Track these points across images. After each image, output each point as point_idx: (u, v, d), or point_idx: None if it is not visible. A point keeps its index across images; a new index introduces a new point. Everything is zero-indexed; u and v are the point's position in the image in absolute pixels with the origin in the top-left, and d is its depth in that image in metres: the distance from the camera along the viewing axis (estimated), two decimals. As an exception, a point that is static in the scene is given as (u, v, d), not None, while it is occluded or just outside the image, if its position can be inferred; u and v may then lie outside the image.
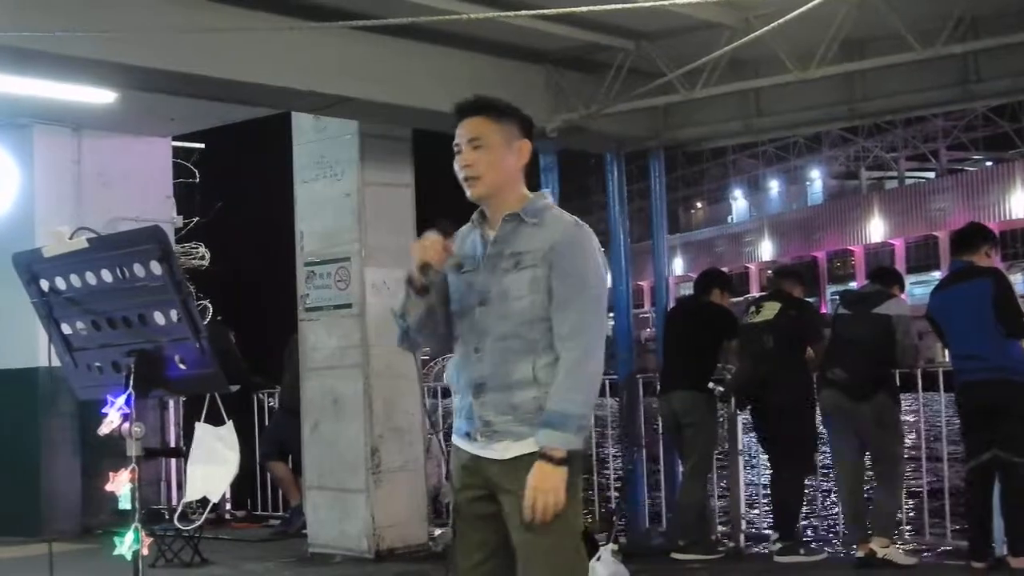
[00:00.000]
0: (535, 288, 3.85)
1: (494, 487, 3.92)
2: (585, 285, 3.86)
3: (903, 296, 8.80)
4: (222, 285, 13.54)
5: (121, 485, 4.22)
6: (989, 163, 61.35)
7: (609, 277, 4.18)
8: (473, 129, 3.98)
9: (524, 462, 3.81)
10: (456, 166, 3.99)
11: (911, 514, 10.11)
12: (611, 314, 9.70)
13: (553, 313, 3.84)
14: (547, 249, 3.85)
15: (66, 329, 4.52)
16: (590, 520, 9.92)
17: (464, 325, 4.00)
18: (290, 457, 10.94)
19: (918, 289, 53.82)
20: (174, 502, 11.66)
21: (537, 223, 3.92)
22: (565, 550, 3.89)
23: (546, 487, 3.75)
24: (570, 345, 3.81)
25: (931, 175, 64.88)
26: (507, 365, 3.88)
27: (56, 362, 4.62)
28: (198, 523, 9.36)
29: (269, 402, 11.82)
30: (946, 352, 8.54)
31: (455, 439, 4.06)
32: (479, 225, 4.03)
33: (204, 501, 9.57)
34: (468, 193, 3.97)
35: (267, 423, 11.68)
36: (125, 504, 4.23)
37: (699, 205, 76.74)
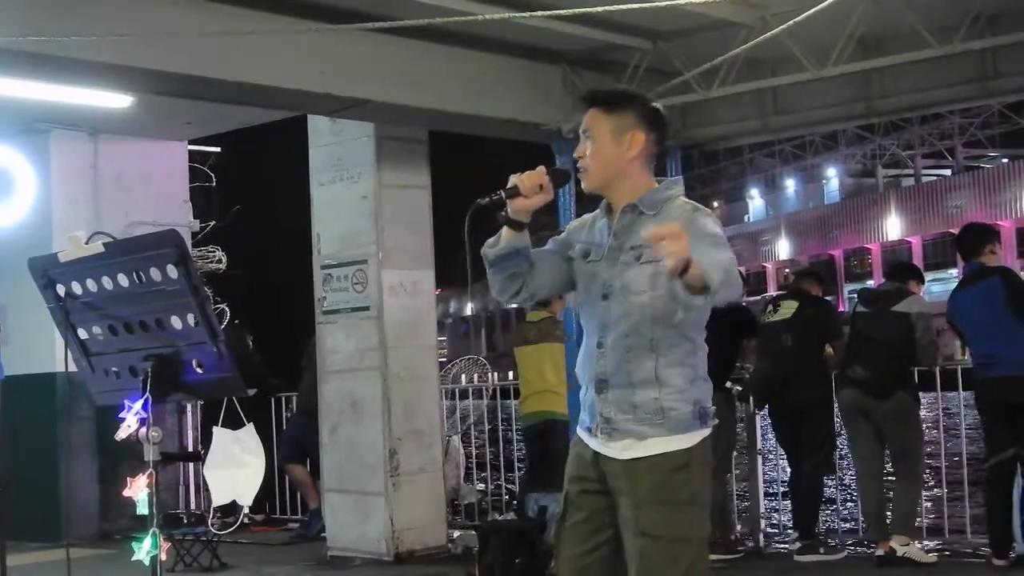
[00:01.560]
0: (655, 283, 3.71)
1: (611, 486, 3.82)
2: (717, 244, 3.63)
3: (922, 290, 8.78)
4: (239, 289, 13.56)
5: (139, 490, 4.22)
6: (1005, 160, 61.15)
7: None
8: (586, 120, 3.95)
9: (644, 465, 3.74)
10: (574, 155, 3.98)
11: (931, 512, 10.05)
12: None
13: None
14: None
15: (83, 334, 4.52)
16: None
17: (590, 317, 3.91)
18: (308, 460, 10.95)
19: (935, 287, 53.72)
20: (193, 506, 11.68)
21: (655, 215, 3.81)
22: (684, 561, 3.75)
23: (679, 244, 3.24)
24: (714, 274, 3.36)
25: (947, 172, 64.71)
26: (629, 363, 3.78)
27: (73, 367, 4.62)
28: (228, 531, 9.36)
29: (287, 406, 11.82)
30: (966, 351, 8.54)
31: (579, 430, 3.98)
32: (606, 214, 3.95)
33: (229, 506, 9.57)
34: (582, 184, 3.94)
35: (285, 426, 11.69)
36: (143, 509, 4.23)
37: (716, 204, 76.53)
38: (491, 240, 3.91)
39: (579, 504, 3.90)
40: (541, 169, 3.82)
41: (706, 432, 3.83)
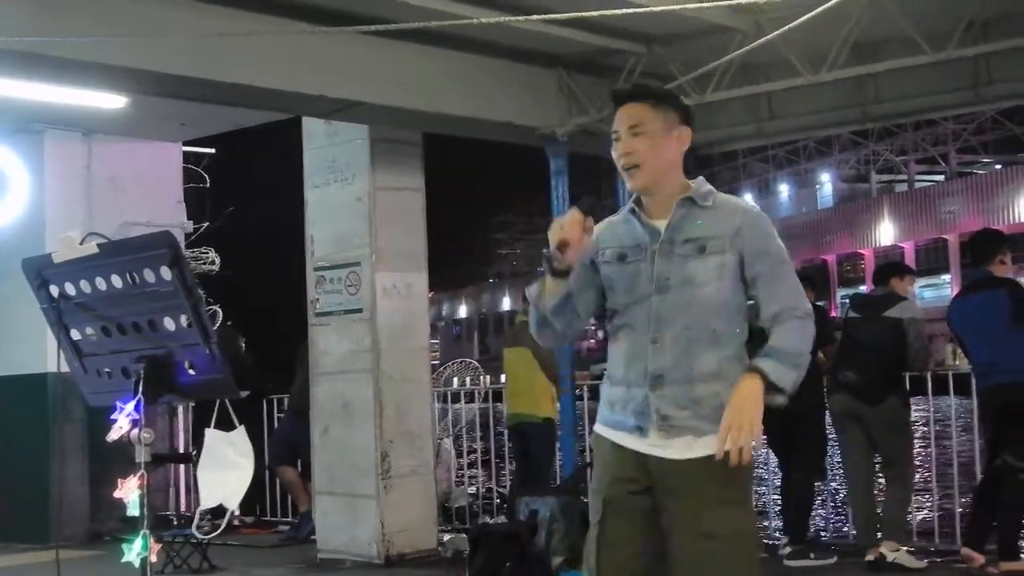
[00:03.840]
0: (722, 274, 3.69)
1: (664, 487, 3.71)
2: (783, 259, 3.78)
3: (911, 287, 8.79)
4: (232, 290, 13.53)
5: (130, 491, 4.21)
6: (999, 166, 61.26)
7: None
8: (633, 116, 3.83)
9: (706, 464, 3.62)
10: (615, 154, 3.85)
11: (921, 517, 10.08)
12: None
13: (760, 293, 3.74)
14: (733, 234, 3.72)
15: (76, 335, 4.51)
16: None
17: (636, 314, 3.78)
18: (299, 462, 10.93)
19: (928, 292, 53.88)
20: (183, 508, 11.66)
21: (711, 206, 3.78)
22: (739, 562, 3.70)
23: (748, 404, 3.54)
24: (789, 311, 3.71)
25: (941, 178, 64.81)
26: (690, 356, 3.70)
27: (65, 368, 4.61)
28: (215, 533, 9.35)
29: (279, 407, 11.81)
30: (957, 355, 8.56)
31: (610, 432, 3.83)
32: (636, 213, 3.86)
33: (218, 508, 9.56)
34: (629, 184, 3.83)
35: (275, 428, 11.67)
36: (134, 510, 4.22)
37: (709, 208, 76.67)
38: (533, 291, 3.83)
39: (624, 507, 3.78)
40: (576, 213, 3.68)
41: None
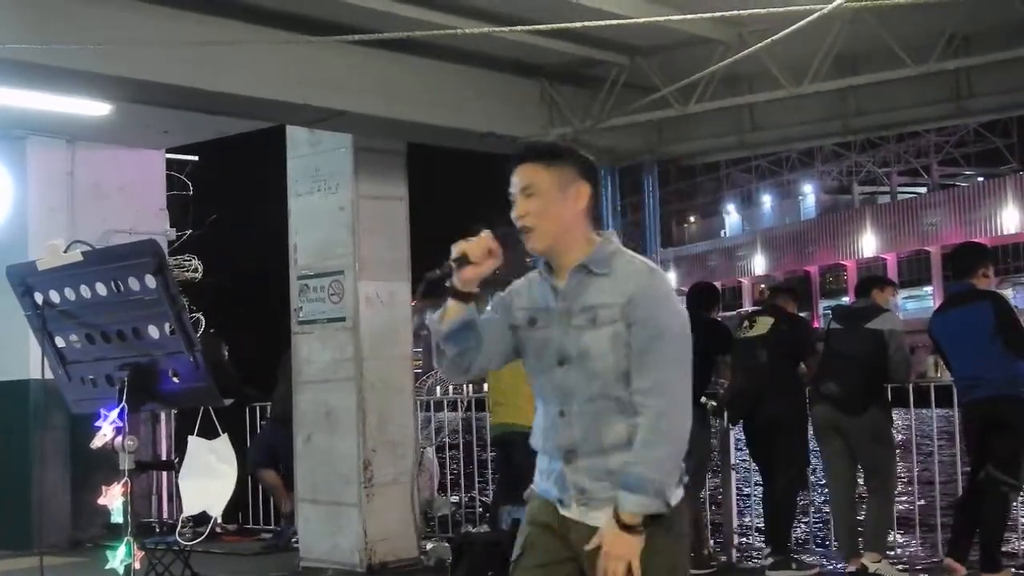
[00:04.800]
0: (617, 344, 3.55)
1: (583, 551, 3.59)
2: (664, 334, 3.55)
3: (894, 298, 8.83)
4: (215, 298, 13.53)
5: (113, 499, 4.22)
6: (980, 178, 61.54)
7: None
8: (524, 177, 3.67)
9: None
10: (512, 216, 3.70)
11: (902, 529, 10.10)
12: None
13: (633, 367, 3.54)
14: (624, 303, 3.55)
15: (59, 342, 4.52)
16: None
17: (544, 384, 3.71)
18: (279, 468, 10.91)
19: (910, 304, 54.05)
20: (165, 515, 11.63)
21: (607, 273, 3.61)
22: None
23: (617, 553, 3.47)
24: (651, 402, 3.50)
25: (923, 190, 65.07)
26: (599, 428, 3.58)
27: (49, 375, 4.61)
28: (197, 540, 9.32)
29: (262, 415, 11.80)
30: (939, 367, 8.59)
31: (543, 497, 3.74)
32: (547, 276, 3.73)
33: (200, 516, 9.53)
34: (527, 246, 3.68)
35: (258, 432, 11.65)
36: (117, 518, 4.23)
37: (692, 219, 76.85)
38: (435, 316, 3.72)
39: (542, 547, 3.70)
40: (487, 234, 3.63)
41: (682, 491, 3.65)
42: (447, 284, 3.65)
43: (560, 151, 3.76)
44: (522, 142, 3.56)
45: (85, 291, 4.29)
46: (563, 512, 3.67)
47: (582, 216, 3.69)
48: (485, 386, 11.26)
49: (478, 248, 3.59)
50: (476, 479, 11.44)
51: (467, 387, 12.92)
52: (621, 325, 3.55)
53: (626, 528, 3.48)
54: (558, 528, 3.68)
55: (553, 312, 3.67)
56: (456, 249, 3.61)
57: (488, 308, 3.86)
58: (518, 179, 3.69)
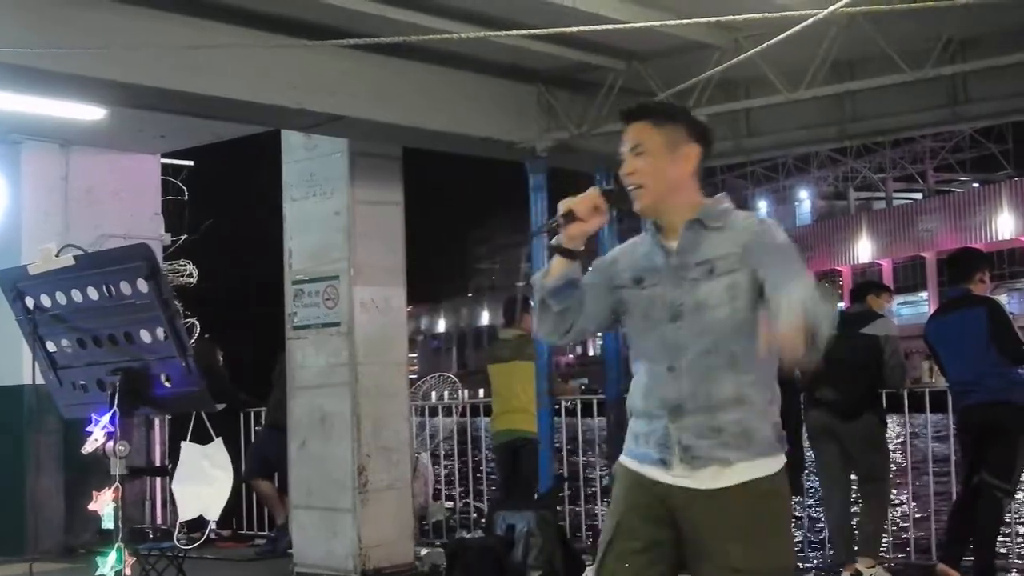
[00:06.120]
0: (734, 295, 3.54)
1: (689, 519, 3.58)
2: (788, 249, 3.56)
3: (890, 304, 8.82)
4: (210, 303, 13.51)
5: (104, 504, 4.20)
6: (976, 184, 61.68)
7: None
8: (635, 135, 3.72)
9: (733, 495, 3.54)
10: (620, 174, 3.75)
11: (897, 534, 10.11)
12: (599, 334, 9.70)
13: (765, 282, 3.48)
14: (740, 251, 3.56)
15: (51, 347, 4.50)
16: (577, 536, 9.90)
17: (651, 342, 3.68)
18: (275, 475, 10.90)
19: (905, 309, 54.13)
20: (159, 521, 11.61)
21: (721, 227, 3.64)
22: None
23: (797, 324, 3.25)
24: (790, 282, 3.36)
25: (919, 196, 65.19)
26: (709, 384, 3.56)
27: (41, 380, 4.59)
28: (193, 545, 9.31)
29: (256, 421, 11.78)
30: (934, 372, 8.60)
31: (634, 464, 3.71)
32: (654, 236, 3.75)
33: (195, 521, 9.52)
34: (635, 205, 3.70)
35: (252, 441, 11.64)
36: (108, 523, 4.21)
37: (688, 224, 76.88)
38: (538, 274, 3.74)
39: (636, 533, 3.64)
40: (594, 190, 3.67)
41: (784, 456, 3.66)
42: (552, 242, 3.67)
43: (671, 111, 3.83)
44: (637, 100, 3.59)
45: (77, 295, 4.26)
46: (663, 476, 3.62)
47: (690, 177, 3.74)
48: (481, 392, 11.26)
49: (585, 204, 3.63)
50: (471, 484, 11.42)
51: (462, 393, 12.88)
52: (739, 275, 3.56)
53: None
54: (655, 501, 3.64)
55: (663, 270, 3.68)
56: (563, 205, 3.63)
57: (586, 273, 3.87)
58: (628, 137, 3.73)
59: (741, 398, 3.57)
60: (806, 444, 8.91)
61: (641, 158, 3.69)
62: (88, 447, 4.23)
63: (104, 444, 4.22)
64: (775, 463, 3.63)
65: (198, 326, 12.40)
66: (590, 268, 3.89)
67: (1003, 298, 45.23)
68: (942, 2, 6.96)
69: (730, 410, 3.56)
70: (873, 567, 8.23)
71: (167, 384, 4.33)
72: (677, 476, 3.59)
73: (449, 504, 11.57)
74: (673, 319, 3.63)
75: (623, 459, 3.78)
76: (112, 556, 4.18)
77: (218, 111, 8.56)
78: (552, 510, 8.63)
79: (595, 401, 10.53)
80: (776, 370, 3.71)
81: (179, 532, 9.68)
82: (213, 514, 9.39)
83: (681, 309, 3.61)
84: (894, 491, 9.38)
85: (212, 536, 11.31)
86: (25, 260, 4.56)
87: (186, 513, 9.40)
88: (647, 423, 3.68)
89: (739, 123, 10.07)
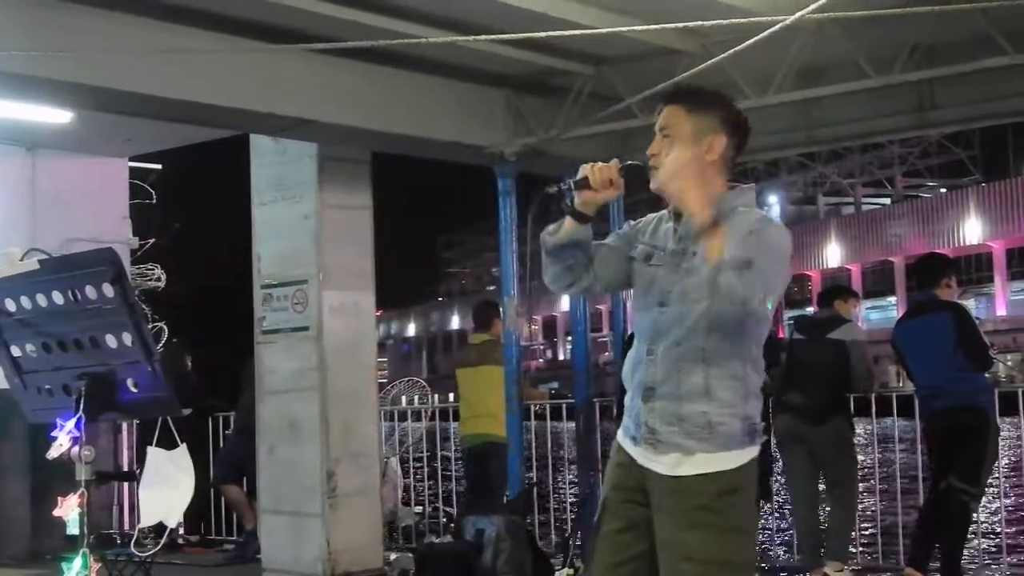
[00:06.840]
0: (716, 290, 3.50)
1: (652, 502, 3.67)
2: (770, 250, 3.60)
3: (857, 309, 8.87)
4: (178, 307, 13.48)
5: (69, 510, 4.17)
6: (943, 190, 62.05)
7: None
8: (666, 117, 3.80)
9: (690, 484, 3.59)
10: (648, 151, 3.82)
11: (865, 538, 10.14)
12: (568, 338, 9.72)
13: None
14: (733, 247, 3.52)
15: (16, 351, 4.47)
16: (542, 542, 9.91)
17: (644, 321, 3.77)
18: (244, 480, 10.86)
19: (874, 314, 54.40)
20: (127, 527, 11.55)
21: (728, 221, 3.60)
22: None
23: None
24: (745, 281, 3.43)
25: (887, 201, 65.54)
26: (679, 373, 3.63)
27: (5, 384, 4.56)
28: (154, 550, 9.25)
29: (224, 425, 11.74)
30: (901, 377, 8.65)
31: (621, 437, 3.83)
32: (671, 217, 3.82)
33: (159, 526, 9.46)
34: (651, 184, 3.76)
35: (222, 446, 11.60)
36: (73, 529, 4.18)
37: (658, 229, 77.00)
38: (551, 227, 3.82)
39: (618, 513, 3.75)
40: (614, 162, 3.73)
41: (755, 451, 3.69)
42: (566, 202, 3.75)
43: (708, 100, 3.85)
44: (676, 80, 3.64)
45: (42, 300, 4.23)
46: (636, 455, 3.72)
47: (710, 166, 3.75)
48: (451, 396, 11.24)
49: (600, 175, 3.70)
50: (440, 489, 11.41)
51: (432, 397, 12.88)
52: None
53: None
54: (634, 483, 3.73)
55: (667, 253, 3.76)
56: (582, 170, 3.71)
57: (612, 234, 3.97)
58: (661, 117, 3.81)
59: (709, 391, 3.62)
60: (774, 449, 8.95)
61: (666, 141, 3.76)
62: (53, 452, 4.20)
63: (70, 449, 4.20)
64: (740, 457, 3.66)
65: (166, 330, 12.37)
66: (617, 231, 4.00)
67: (970, 303, 45.57)
68: (909, 9, 7.00)
69: (696, 401, 3.62)
70: (841, 570, 8.28)
71: (134, 389, 4.30)
72: (643, 457, 3.70)
73: (418, 509, 11.55)
74: (661, 304, 3.72)
75: (619, 432, 3.88)
76: (77, 562, 4.16)
77: (187, 115, 8.54)
78: (522, 515, 8.64)
79: (565, 406, 10.54)
80: (760, 366, 3.77)
81: (144, 537, 9.63)
82: (172, 521, 9.34)
83: (669, 296, 3.70)
84: (862, 494, 9.41)
85: (180, 541, 11.28)
86: (-10, 264, 4.52)
87: (149, 519, 9.35)
88: (631, 398, 3.79)
89: (707, 128, 10.08)
